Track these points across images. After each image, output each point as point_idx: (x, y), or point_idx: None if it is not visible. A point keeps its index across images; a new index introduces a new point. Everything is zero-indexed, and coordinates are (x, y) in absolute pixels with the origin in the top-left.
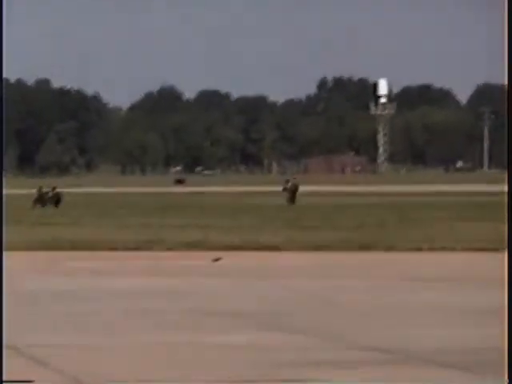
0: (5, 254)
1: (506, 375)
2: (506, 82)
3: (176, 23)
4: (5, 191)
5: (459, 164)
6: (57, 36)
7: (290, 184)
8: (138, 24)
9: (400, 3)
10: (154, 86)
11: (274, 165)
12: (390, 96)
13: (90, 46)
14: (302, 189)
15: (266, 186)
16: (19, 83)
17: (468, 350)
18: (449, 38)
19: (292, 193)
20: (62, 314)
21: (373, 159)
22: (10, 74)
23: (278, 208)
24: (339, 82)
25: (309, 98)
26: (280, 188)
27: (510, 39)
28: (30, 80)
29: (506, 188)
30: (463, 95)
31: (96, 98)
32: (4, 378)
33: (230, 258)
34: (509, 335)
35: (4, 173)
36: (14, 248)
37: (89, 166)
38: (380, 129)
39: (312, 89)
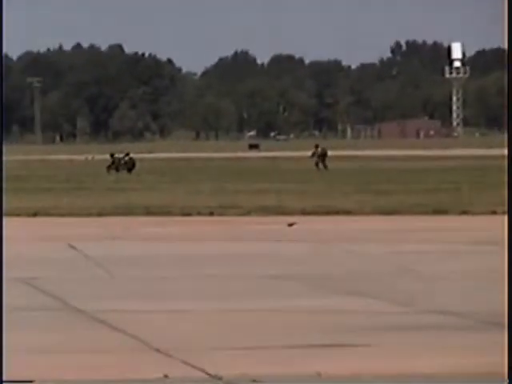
0: (80, 219)
1: (506, 375)
2: (506, 82)
3: None
4: (75, 157)
5: None
6: (129, 1)
7: (319, 149)
8: None
9: None
10: (227, 52)
11: (348, 129)
12: (463, 60)
13: (163, 11)
14: (374, 153)
15: (339, 151)
16: (92, 49)
17: None
18: None
19: (321, 158)
20: (137, 280)
21: (447, 123)
22: (83, 39)
23: (352, 172)
24: (413, 46)
25: (382, 62)
26: (353, 153)
27: (509, 39)
28: (103, 45)
29: None
30: None
31: (169, 64)
32: (4, 378)
33: (304, 223)
34: (509, 335)
35: (76, 138)
36: (89, 214)
37: (162, 132)
38: (454, 93)
39: (386, 53)
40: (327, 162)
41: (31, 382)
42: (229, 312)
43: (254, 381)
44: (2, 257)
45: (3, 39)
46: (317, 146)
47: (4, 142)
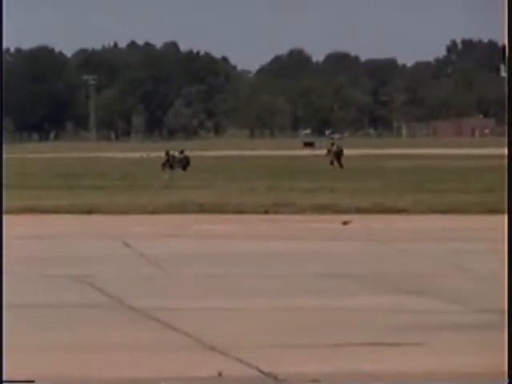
0: (134, 217)
1: (506, 375)
2: (506, 81)
3: None
4: (130, 155)
5: None
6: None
7: (334, 147)
8: None
9: None
10: (282, 50)
11: (403, 127)
12: None
13: (218, 9)
14: (429, 151)
15: (395, 149)
16: (147, 46)
17: None
18: None
19: (336, 156)
20: (192, 277)
21: (502, 122)
22: (138, 37)
23: (405, 171)
24: (468, 45)
25: (438, 60)
26: (409, 151)
27: (509, 39)
28: (158, 43)
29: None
30: None
31: (224, 62)
32: (5, 378)
33: (359, 222)
34: (509, 335)
35: (131, 136)
36: (143, 211)
37: (217, 130)
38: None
39: (441, 51)
40: (343, 161)
41: (31, 382)
42: (282, 310)
43: (314, 380)
44: (2, 256)
45: (3, 39)
46: (332, 144)
47: (59, 140)
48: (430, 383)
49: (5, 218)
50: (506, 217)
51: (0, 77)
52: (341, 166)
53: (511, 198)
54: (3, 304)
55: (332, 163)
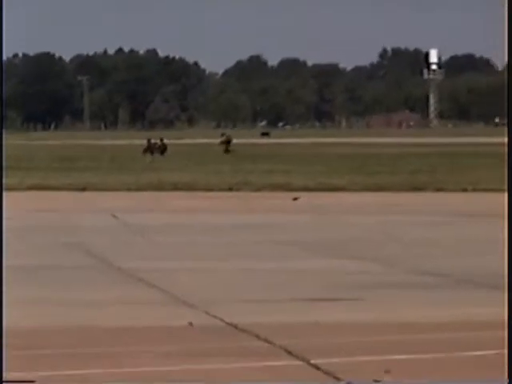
0: (120, 193)
1: (506, 375)
2: (506, 82)
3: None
4: (117, 142)
5: (497, 120)
6: (164, 10)
7: (224, 137)
8: (232, 3)
9: None
10: (244, 55)
11: (343, 121)
12: (439, 63)
13: (192, 21)
14: (364, 140)
15: (336, 138)
16: (132, 52)
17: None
18: (490, 11)
19: (225, 144)
20: (169, 244)
21: (425, 116)
22: (124, 44)
23: (343, 156)
24: (397, 52)
25: (372, 65)
26: (348, 140)
27: (509, 39)
28: (141, 50)
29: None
30: (500, 62)
31: (195, 66)
32: (5, 378)
33: (306, 198)
34: (509, 335)
35: (118, 126)
36: (128, 189)
37: (190, 122)
38: (431, 91)
39: (375, 57)
40: (231, 147)
41: (32, 382)
42: (243, 270)
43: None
44: (2, 252)
45: (3, 40)
46: (222, 134)
47: (58, 130)
48: (429, 383)
49: (13, 194)
50: (505, 218)
51: (0, 75)
52: (227, 151)
53: (511, 194)
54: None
55: (225, 151)
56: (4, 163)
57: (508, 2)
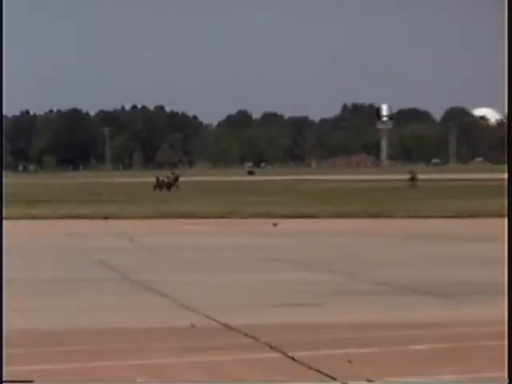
0: (136, 221)
1: (506, 375)
2: (505, 83)
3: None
4: (132, 180)
5: (434, 160)
6: (170, 71)
7: (172, 176)
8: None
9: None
10: (233, 110)
11: (313, 162)
12: (390, 115)
13: (193, 80)
14: (329, 177)
15: (308, 176)
16: (144, 108)
17: (447, 284)
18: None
19: (170, 183)
20: (177, 261)
21: (378, 158)
22: (138, 102)
23: (315, 190)
24: (356, 106)
25: (336, 117)
26: (317, 177)
27: (509, 40)
28: (151, 106)
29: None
30: (438, 114)
31: (194, 118)
32: (4, 378)
33: (284, 224)
34: (509, 335)
35: (133, 167)
36: (142, 217)
37: (190, 163)
38: (383, 138)
39: (338, 111)
40: (177, 185)
41: (31, 382)
42: (236, 282)
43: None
44: (2, 257)
45: (3, 40)
46: (172, 173)
47: (85, 170)
48: (429, 383)
49: (52, 222)
50: (506, 221)
51: (0, 82)
52: (169, 187)
53: (511, 201)
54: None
55: (169, 186)
56: (42, 197)
57: (508, 2)
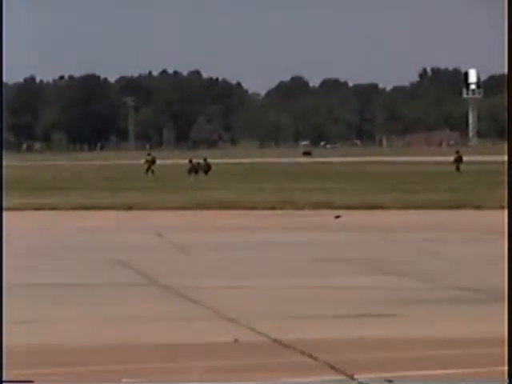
0: (165, 212)
1: (506, 375)
2: (506, 83)
3: (305, 22)
4: (162, 162)
5: None
6: (207, 32)
7: (195, 162)
8: (274, 23)
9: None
10: (286, 76)
11: (384, 139)
12: (478, 83)
13: (235, 42)
14: (404, 159)
15: (377, 157)
16: (175, 74)
17: None
18: None
19: (208, 165)
20: (211, 261)
21: (464, 135)
22: (168, 66)
23: (385, 175)
24: (436, 72)
25: (412, 84)
26: (388, 158)
27: (509, 39)
28: (184, 71)
29: None
30: None
31: (238, 86)
32: (4, 378)
33: (348, 216)
34: (509, 335)
35: (163, 146)
36: (173, 208)
37: (232, 142)
38: (470, 110)
39: (415, 77)
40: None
41: (31, 382)
42: (287, 288)
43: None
44: (2, 255)
45: (3, 41)
46: (190, 160)
47: (104, 150)
48: (430, 383)
49: (63, 213)
50: (505, 215)
51: (0, 78)
52: (208, 171)
53: (511, 198)
54: None
55: (195, 171)
56: (51, 184)
57: (508, 2)
